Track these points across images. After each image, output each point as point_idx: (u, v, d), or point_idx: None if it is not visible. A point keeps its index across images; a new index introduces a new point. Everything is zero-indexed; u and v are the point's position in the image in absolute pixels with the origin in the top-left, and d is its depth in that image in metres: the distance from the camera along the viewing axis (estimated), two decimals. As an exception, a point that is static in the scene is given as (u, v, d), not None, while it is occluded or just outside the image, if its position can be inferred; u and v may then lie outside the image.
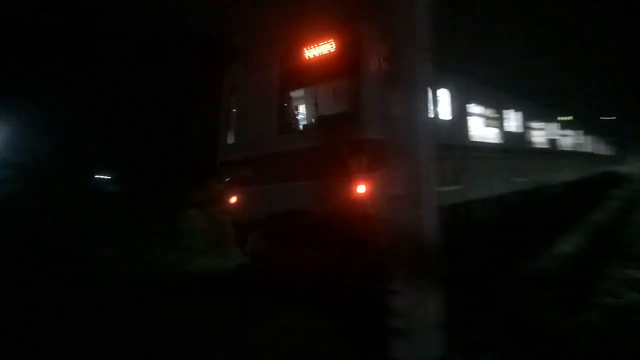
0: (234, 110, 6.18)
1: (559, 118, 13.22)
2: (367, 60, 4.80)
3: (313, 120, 5.59)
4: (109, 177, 10.19)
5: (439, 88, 6.09)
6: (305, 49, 5.17)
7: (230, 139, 6.18)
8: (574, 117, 14.85)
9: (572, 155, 14.51)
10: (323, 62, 5.03)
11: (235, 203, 5.87)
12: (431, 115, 5.11)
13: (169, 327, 4.14)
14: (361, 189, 4.51)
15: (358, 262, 4.40)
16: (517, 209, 8.46)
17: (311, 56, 5.14)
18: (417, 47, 2.50)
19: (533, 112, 10.56)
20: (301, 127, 5.77)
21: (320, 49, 5.08)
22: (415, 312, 2.54)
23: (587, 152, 17.31)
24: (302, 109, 6.26)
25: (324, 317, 4.22)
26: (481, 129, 7.58)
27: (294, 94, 5.83)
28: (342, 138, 4.60)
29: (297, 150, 5.07)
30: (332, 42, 5.02)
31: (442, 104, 6.27)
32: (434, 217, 2.64)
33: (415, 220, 2.56)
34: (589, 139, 17.74)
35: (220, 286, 5.58)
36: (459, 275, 4.27)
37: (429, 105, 2.53)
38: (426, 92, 2.53)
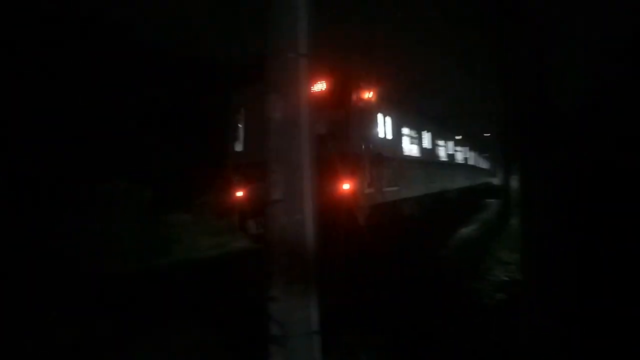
0: (240, 126, 8.15)
1: (455, 137, 17.04)
2: (349, 98, 6.91)
3: None
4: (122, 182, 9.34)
5: (385, 116, 8.42)
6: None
7: (238, 148, 8.15)
8: (463, 136, 18.67)
9: (462, 167, 18.41)
10: (315, 96, 6.28)
11: (240, 197, 7.63)
12: (381, 135, 8.07)
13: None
14: (346, 186, 6.48)
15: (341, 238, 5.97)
16: (429, 206, 11.31)
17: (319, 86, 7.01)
18: (298, 52, 2.51)
19: (439, 132, 13.73)
20: None
21: (314, 87, 6.65)
22: (292, 318, 2.52)
23: (471, 165, 21.97)
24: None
25: (204, 327, 4.14)
26: (408, 145, 10.14)
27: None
28: (332, 151, 6.14)
29: None
30: (324, 82, 6.95)
31: (387, 127, 8.56)
32: (312, 222, 2.65)
33: (293, 226, 2.54)
34: (473, 154, 22.85)
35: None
36: (337, 279, 4.58)
37: (308, 109, 2.53)
38: (306, 97, 2.54)
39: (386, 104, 8.51)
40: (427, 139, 11.89)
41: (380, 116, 8.20)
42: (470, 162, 21.22)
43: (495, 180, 29.53)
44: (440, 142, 13.76)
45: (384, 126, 8.38)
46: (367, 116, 7.66)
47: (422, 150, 11.11)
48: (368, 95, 7.66)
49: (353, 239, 6.38)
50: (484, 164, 30.35)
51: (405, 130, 9.79)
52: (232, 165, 8.05)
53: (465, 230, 10.97)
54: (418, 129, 10.94)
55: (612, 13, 2.01)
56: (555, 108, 2.09)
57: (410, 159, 9.99)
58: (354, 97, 7.08)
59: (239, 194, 7.67)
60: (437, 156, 13.06)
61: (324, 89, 6.95)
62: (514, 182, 19.55)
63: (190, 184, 10.78)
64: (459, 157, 17.86)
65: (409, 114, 10.42)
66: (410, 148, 10.12)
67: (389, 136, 8.60)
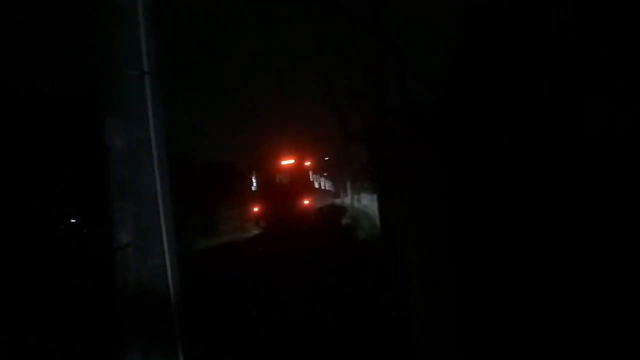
0: (254, 179, 20.06)
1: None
2: (307, 168, 21.03)
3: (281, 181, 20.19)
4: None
5: (313, 172, 25.21)
6: (281, 160, 19.92)
7: (254, 188, 20.02)
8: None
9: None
10: (287, 166, 19.99)
11: (255, 210, 19.35)
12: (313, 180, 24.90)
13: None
14: (307, 202, 19.34)
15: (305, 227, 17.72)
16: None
17: (284, 163, 20.01)
18: (142, 69, 2.15)
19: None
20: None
21: (287, 161, 19.97)
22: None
23: (323, 189, 34.13)
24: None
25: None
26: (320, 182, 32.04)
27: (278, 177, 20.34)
28: (299, 188, 19.48)
29: (276, 187, 19.54)
30: (293, 159, 20.03)
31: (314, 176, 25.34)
32: (176, 267, 2.25)
33: (150, 273, 2.11)
34: (321, 178, 32.15)
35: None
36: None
37: (161, 132, 2.17)
38: (158, 119, 2.17)
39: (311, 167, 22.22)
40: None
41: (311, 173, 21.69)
42: (322, 185, 35.47)
43: (339, 201, 35.30)
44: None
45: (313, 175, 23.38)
46: (308, 173, 21.05)
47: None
48: (308, 164, 20.95)
49: (306, 224, 18.18)
50: (331, 186, 41.60)
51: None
52: (251, 196, 19.82)
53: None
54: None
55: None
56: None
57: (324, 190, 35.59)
58: (306, 166, 20.54)
59: (255, 209, 19.26)
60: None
61: (292, 162, 19.92)
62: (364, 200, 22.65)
63: (233, 204, 23.05)
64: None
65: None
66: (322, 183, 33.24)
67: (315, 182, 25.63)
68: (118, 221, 2.07)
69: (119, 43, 2.18)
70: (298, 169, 19.60)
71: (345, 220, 20.71)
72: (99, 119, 2.17)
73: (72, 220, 18.38)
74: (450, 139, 2.04)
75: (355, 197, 27.76)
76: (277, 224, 17.61)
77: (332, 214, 25.22)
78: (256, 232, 19.38)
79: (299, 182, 19.22)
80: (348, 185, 29.92)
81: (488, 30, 2.10)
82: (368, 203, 20.28)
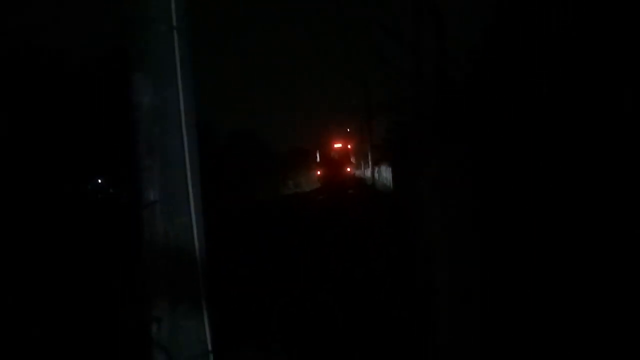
0: (318, 154, 32.65)
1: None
2: (349, 150, 33.87)
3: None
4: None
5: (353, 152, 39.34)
6: (334, 144, 32.59)
7: (318, 159, 32.38)
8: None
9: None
10: (338, 148, 32.64)
11: (319, 173, 31.76)
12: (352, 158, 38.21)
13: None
14: (349, 169, 32.90)
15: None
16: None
17: (335, 146, 32.57)
18: (171, 23, 2.09)
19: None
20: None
21: (338, 144, 32.75)
22: (181, 341, 2.11)
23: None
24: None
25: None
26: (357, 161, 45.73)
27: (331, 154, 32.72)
28: (345, 162, 32.24)
29: (331, 160, 31.79)
30: (342, 143, 33.02)
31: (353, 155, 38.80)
32: (202, 225, 2.27)
33: (177, 231, 2.13)
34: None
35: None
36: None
37: (189, 92, 2.14)
38: (187, 77, 2.13)
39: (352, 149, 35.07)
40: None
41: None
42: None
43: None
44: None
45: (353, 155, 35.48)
46: (350, 152, 33.94)
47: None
48: (349, 146, 33.93)
49: (347, 183, 29.73)
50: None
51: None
52: (316, 166, 32.40)
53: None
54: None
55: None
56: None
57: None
58: (348, 148, 33.46)
59: (318, 172, 31.47)
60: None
61: (340, 145, 32.58)
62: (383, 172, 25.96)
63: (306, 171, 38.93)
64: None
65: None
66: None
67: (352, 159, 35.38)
68: (145, 179, 2.08)
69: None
70: (344, 149, 32.63)
71: (368, 182, 31.42)
72: (128, 75, 2.15)
73: (98, 181, 18.87)
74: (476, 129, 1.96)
75: (376, 169, 31.41)
76: (331, 183, 29.08)
77: (360, 178, 39.95)
78: (318, 186, 31.88)
79: (344, 157, 32.20)
80: (370, 158, 32.49)
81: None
82: (384, 175, 27.34)
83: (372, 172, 33.78)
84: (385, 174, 27.88)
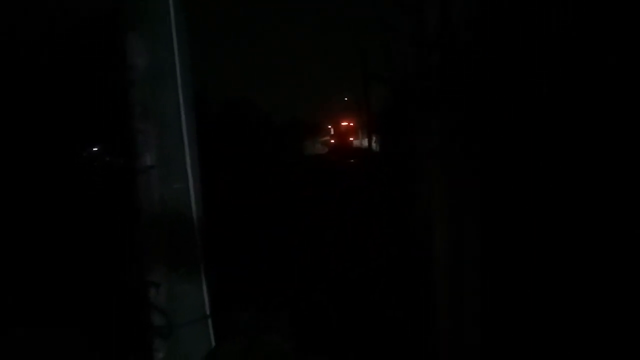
0: (330, 127, 44.97)
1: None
2: (353, 126, 40.85)
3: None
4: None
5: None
6: (342, 122, 42.63)
7: (332, 133, 44.51)
8: None
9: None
10: (345, 125, 42.66)
11: (332, 141, 43.22)
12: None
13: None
14: (352, 139, 41.47)
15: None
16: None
17: (343, 123, 42.86)
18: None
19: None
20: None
21: (345, 122, 42.39)
22: (178, 305, 2.14)
23: None
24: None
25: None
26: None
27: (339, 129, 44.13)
28: (349, 134, 42.18)
29: (340, 133, 44.23)
30: (349, 122, 41.50)
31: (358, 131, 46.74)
32: (199, 190, 2.25)
33: (174, 196, 2.11)
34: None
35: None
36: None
37: (185, 53, 2.07)
38: (181, 37, 2.06)
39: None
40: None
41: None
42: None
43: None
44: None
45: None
46: (354, 127, 41.34)
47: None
48: (352, 124, 41.01)
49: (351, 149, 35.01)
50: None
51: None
52: (330, 136, 44.30)
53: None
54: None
55: None
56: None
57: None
58: (352, 125, 40.71)
59: (332, 141, 42.84)
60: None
61: (346, 123, 41.91)
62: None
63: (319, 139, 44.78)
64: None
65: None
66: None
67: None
68: (141, 143, 2.04)
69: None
70: (349, 125, 41.16)
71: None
72: (121, 35, 2.08)
73: (94, 149, 18.66)
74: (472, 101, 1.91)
75: (374, 138, 32.65)
76: (339, 148, 35.94)
77: (357, 148, 45.84)
78: (328, 150, 38.95)
79: (350, 130, 41.17)
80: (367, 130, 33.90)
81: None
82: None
83: (369, 142, 35.02)
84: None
